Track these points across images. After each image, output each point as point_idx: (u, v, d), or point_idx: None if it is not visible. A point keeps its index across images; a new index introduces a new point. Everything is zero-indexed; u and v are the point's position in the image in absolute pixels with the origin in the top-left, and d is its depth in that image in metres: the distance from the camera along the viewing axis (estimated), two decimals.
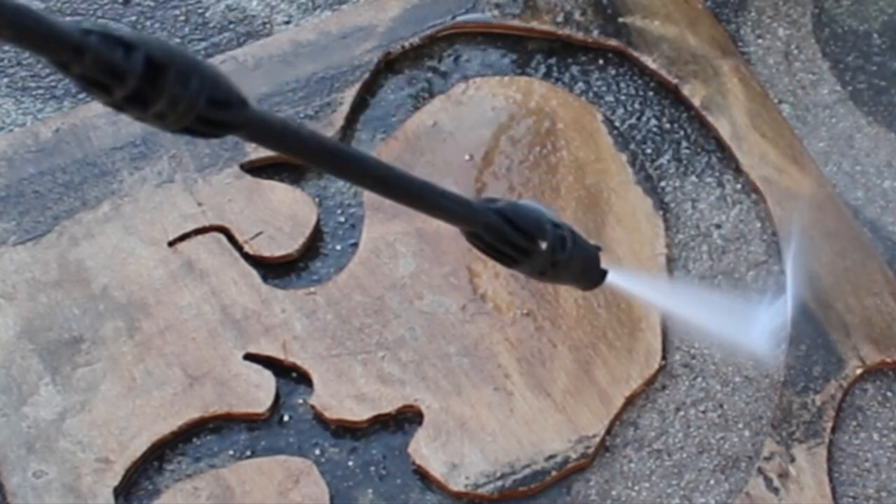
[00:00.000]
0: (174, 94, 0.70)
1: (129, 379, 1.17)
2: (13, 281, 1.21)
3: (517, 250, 0.92)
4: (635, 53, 1.34)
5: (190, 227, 1.23)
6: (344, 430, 1.17)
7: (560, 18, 1.36)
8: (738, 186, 1.29)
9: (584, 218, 1.25)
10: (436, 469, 1.14)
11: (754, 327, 1.20)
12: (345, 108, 1.30)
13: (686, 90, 1.32)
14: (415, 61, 1.35)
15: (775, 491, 1.14)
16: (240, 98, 0.73)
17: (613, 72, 1.35)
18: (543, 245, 0.93)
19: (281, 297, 1.21)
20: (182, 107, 0.70)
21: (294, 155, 0.82)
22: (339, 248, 1.25)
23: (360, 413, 1.16)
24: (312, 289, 1.22)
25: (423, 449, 1.15)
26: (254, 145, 1.27)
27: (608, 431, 1.17)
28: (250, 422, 1.17)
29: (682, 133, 1.32)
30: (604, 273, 1.02)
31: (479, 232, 0.90)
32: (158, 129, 0.72)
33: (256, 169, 1.27)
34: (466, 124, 1.30)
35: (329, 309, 1.20)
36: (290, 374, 1.18)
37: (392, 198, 0.86)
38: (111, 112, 1.28)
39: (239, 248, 1.23)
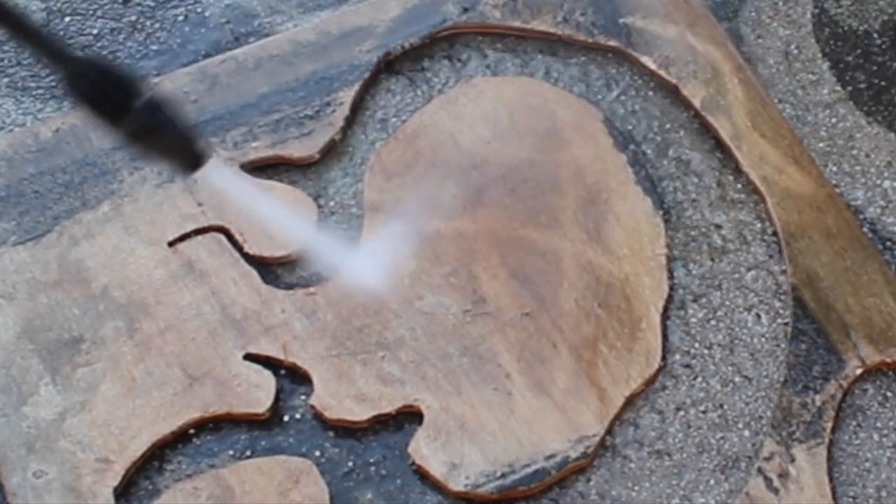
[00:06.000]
0: None
1: (129, 379, 1.17)
2: (13, 281, 1.21)
3: (114, 103, 0.94)
4: (635, 53, 1.34)
5: (190, 227, 1.23)
6: (344, 430, 1.17)
7: (560, 18, 1.36)
8: (738, 186, 1.29)
9: (584, 218, 1.25)
10: (436, 469, 1.14)
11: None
12: (345, 108, 1.30)
13: (686, 90, 1.32)
14: (415, 61, 1.35)
15: (775, 491, 1.14)
16: None
17: (613, 72, 1.35)
18: (140, 102, 0.95)
19: (281, 297, 1.21)
20: None
21: None
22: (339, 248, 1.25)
23: (360, 413, 1.16)
24: (312, 289, 1.22)
25: (423, 449, 1.15)
26: (254, 145, 1.27)
27: (608, 431, 1.17)
28: (250, 422, 1.17)
29: (682, 133, 1.32)
30: (201, 158, 1.02)
31: (78, 77, 0.93)
32: None
33: (256, 169, 1.27)
34: (466, 124, 1.30)
35: (329, 309, 1.20)
36: (290, 374, 1.19)
37: None
38: None
39: (239, 248, 1.23)
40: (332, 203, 1.27)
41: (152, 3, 1.40)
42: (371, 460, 1.16)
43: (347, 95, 1.31)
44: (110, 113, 0.95)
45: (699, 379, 1.20)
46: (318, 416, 1.17)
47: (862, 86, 1.36)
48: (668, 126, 1.32)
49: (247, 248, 1.23)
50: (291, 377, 1.18)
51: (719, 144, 1.31)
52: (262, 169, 1.28)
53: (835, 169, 1.31)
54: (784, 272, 1.24)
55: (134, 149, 1.01)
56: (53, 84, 1.35)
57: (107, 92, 0.94)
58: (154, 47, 1.37)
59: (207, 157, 1.02)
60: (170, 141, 0.99)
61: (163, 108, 0.97)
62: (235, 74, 1.31)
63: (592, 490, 1.15)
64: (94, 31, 1.38)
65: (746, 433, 1.17)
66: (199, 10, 1.39)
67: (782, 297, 1.23)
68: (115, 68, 0.96)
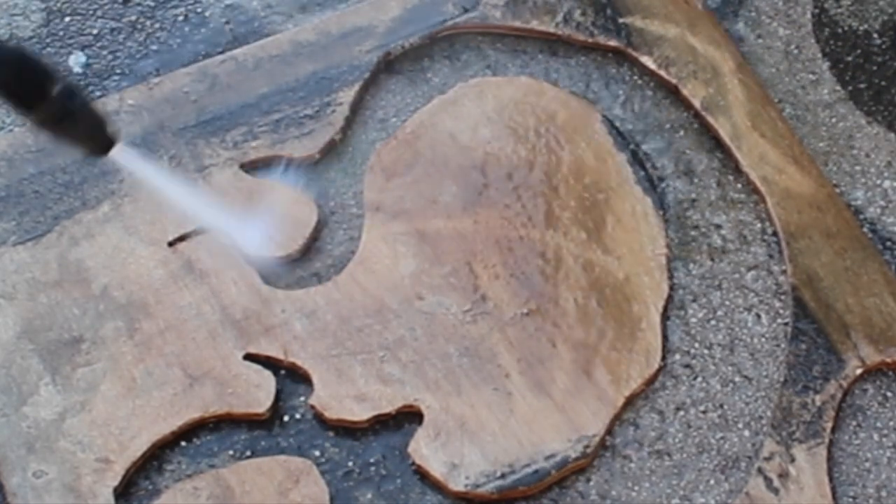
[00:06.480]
0: None
1: (129, 379, 1.17)
2: (13, 281, 1.21)
3: (30, 89, 0.96)
4: (635, 54, 1.34)
5: (190, 227, 1.23)
6: (344, 430, 1.17)
7: (560, 18, 1.36)
8: (738, 186, 1.29)
9: (584, 218, 1.25)
10: (436, 469, 1.14)
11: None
12: (344, 108, 1.30)
13: (686, 90, 1.32)
14: (415, 61, 1.35)
15: (775, 491, 1.14)
16: None
17: (613, 72, 1.35)
18: (56, 89, 0.97)
19: (281, 297, 1.21)
20: None
21: None
22: (339, 248, 1.25)
23: (360, 413, 1.16)
24: (312, 289, 1.22)
25: (423, 449, 1.15)
26: (254, 145, 1.27)
27: (608, 431, 1.17)
28: (250, 422, 1.17)
29: (681, 133, 1.32)
30: (112, 142, 1.05)
31: None
32: None
33: (257, 169, 1.27)
34: (466, 124, 1.30)
35: (329, 309, 1.20)
36: (290, 374, 1.19)
37: None
38: (112, 112, 1.29)
39: None
40: (332, 203, 1.27)
41: (152, 3, 1.40)
42: (371, 460, 1.16)
43: (347, 95, 1.31)
44: (26, 99, 0.97)
45: (699, 379, 1.20)
46: (318, 416, 1.17)
47: (862, 86, 1.36)
48: (668, 126, 1.32)
49: None
50: (291, 377, 1.18)
51: (719, 144, 1.31)
52: (262, 169, 1.28)
53: (835, 169, 1.31)
54: (784, 272, 1.24)
55: (47, 134, 1.03)
56: None
57: (22, 78, 0.96)
58: (154, 47, 1.37)
59: (117, 140, 1.06)
60: (83, 126, 1.02)
61: (76, 94, 0.99)
62: (235, 74, 1.31)
63: (592, 490, 1.15)
64: (94, 31, 1.38)
65: (746, 433, 1.17)
66: (199, 10, 1.39)
67: (782, 297, 1.23)
68: (29, 55, 0.98)
